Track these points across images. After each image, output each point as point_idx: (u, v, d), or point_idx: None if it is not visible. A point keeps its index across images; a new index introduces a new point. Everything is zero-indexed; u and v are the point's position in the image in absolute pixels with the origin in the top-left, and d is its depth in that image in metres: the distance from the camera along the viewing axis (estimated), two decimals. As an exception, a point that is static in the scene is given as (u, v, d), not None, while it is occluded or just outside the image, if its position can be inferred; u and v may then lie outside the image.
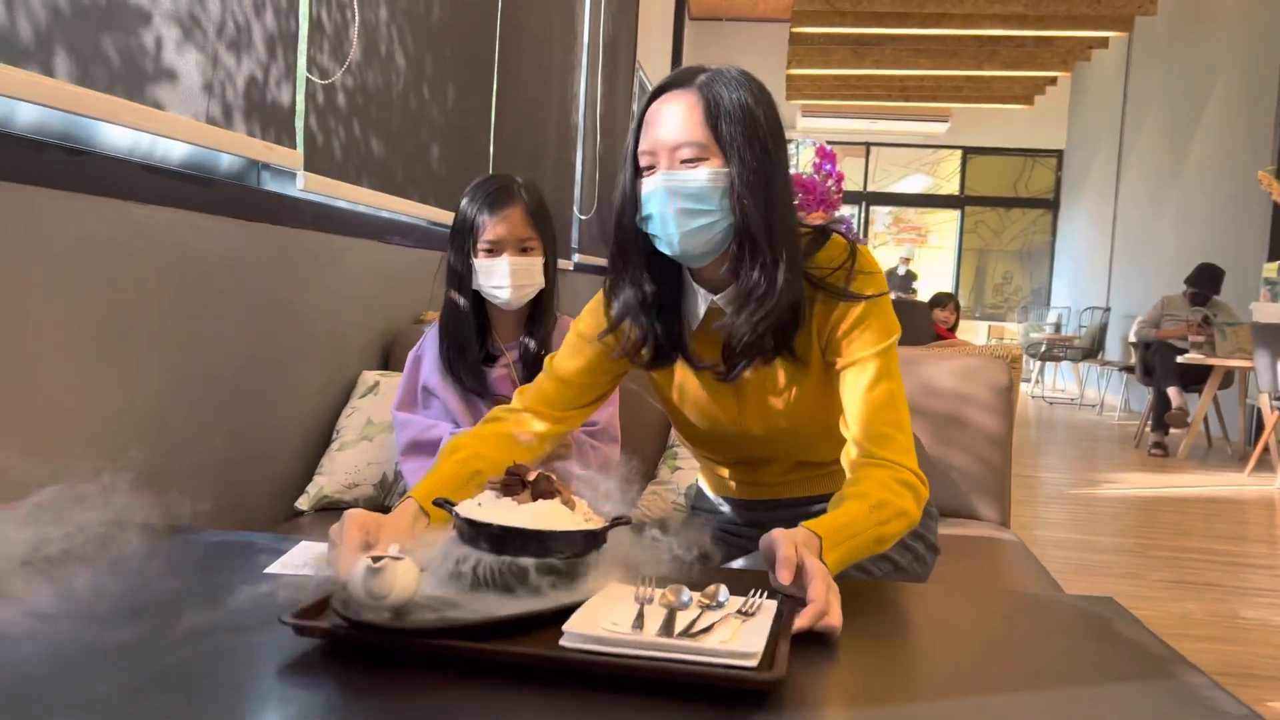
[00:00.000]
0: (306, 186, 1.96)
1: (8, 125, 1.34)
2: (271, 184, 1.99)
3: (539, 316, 1.80)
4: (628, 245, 1.24)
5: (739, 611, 0.92)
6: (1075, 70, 10.31)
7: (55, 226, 1.35)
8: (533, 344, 1.80)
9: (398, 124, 2.39)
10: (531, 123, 3.85)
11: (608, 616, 0.88)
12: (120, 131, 1.55)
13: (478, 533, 0.93)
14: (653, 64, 7.76)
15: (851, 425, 1.23)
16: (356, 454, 1.95)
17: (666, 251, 1.20)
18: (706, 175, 1.15)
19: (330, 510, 1.90)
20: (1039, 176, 12.33)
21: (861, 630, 1.02)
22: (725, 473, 1.46)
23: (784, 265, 1.18)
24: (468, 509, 0.96)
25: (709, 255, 1.19)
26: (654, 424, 2.25)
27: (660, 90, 1.19)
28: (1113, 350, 9.16)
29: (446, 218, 2.74)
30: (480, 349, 1.80)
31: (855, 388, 1.23)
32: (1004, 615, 1.13)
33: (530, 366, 1.77)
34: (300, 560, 1.12)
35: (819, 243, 1.26)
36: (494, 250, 1.71)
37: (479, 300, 1.78)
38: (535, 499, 0.98)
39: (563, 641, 0.83)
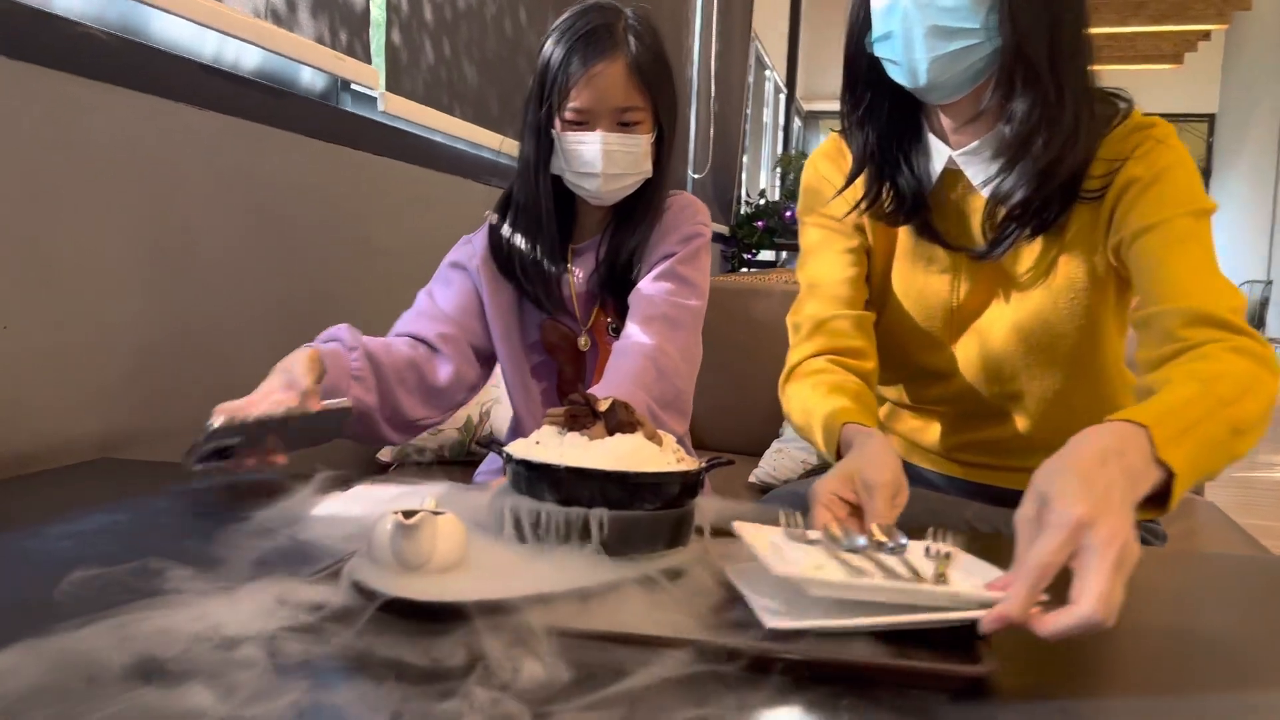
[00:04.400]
0: (388, 108, 1.77)
1: (47, 6, 1.18)
2: (352, 106, 1.81)
3: (637, 212, 1.25)
4: (858, 74, 1.02)
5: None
6: (1232, 21, 9.48)
7: (96, 122, 1.18)
8: (620, 248, 1.24)
9: (493, 49, 2.19)
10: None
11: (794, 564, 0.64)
12: (179, 32, 1.38)
13: (539, 478, 0.71)
14: (769, 39, 7.47)
15: (1151, 303, 0.92)
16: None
17: (905, 83, 0.96)
18: None
19: (409, 464, 1.71)
20: (1187, 144, 11.34)
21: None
22: (933, 435, 1.16)
23: (1070, 101, 0.92)
24: (523, 449, 0.74)
25: (961, 89, 0.94)
26: (775, 377, 2.01)
27: None
28: (1274, 326, 8.40)
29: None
30: (557, 252, 1.27)
31: (1157, 255, 0.92)
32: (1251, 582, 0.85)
33: (611, 279, 1.26)
34: (354, 503, 0.92)
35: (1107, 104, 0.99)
36: (582, 122, 1.18)
37: (559, 185, 1.24)
38: (611, 433, 0.75)
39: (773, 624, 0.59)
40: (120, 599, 0.61)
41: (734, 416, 1.96)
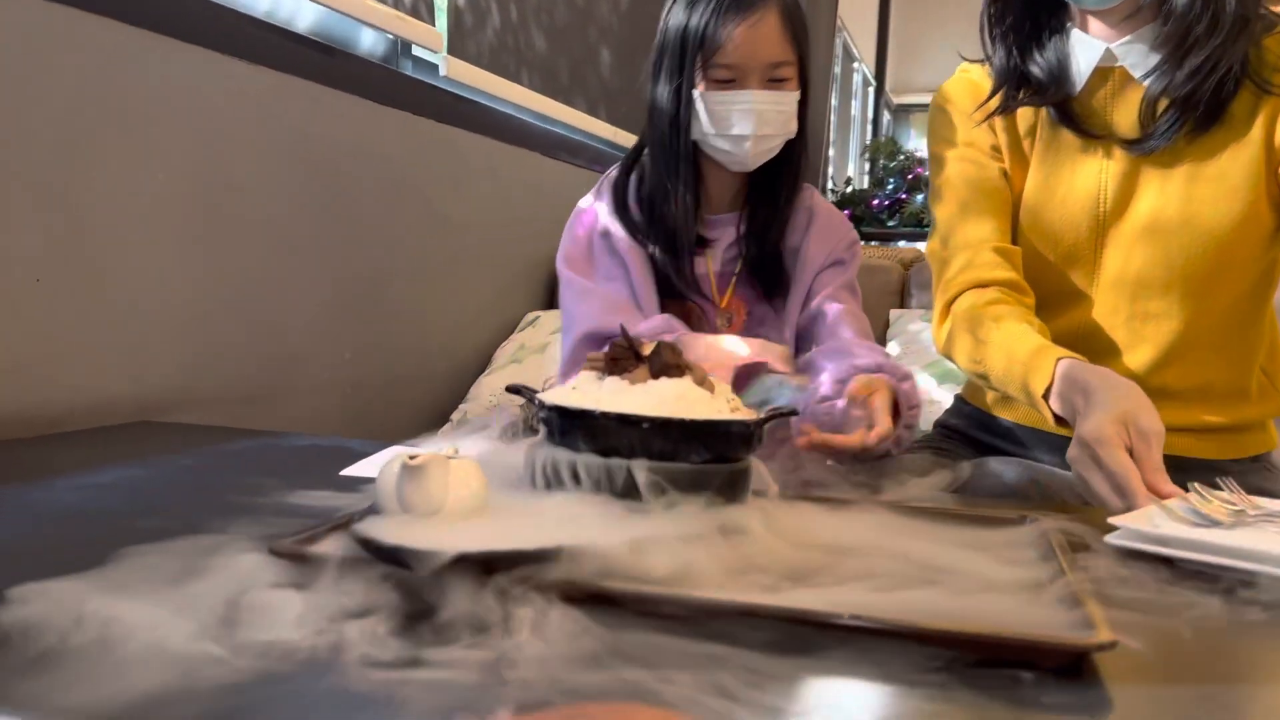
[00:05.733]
0: (450, 73, 1.71)
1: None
2: (413, 72, 1.75)
3: (780, 180, 1.12)
4: None
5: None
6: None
7: (141, 72, 1.14)
8: (770, 222, 1.13)
9: (563, 16, 2.11)
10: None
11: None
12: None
13: (574, 426, 0.62)
14: (858, 30, 7.30)
15: None
16: (503, 376, 1.72)
17: None
18: None
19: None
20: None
21: None
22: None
23: None
24: (557, 395, 0.65)
25: None
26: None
27: None
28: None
29: (625, 139, 2.46)
30: (694, 227, 1.12)
31: None
32: None
33: (760, 256, 1.14)
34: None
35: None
36: (731, 80, 1.06)
37: (692, 155, 1.11)
38: (655, 377, 0.66)
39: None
40: (103, 554, 0.54)
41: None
